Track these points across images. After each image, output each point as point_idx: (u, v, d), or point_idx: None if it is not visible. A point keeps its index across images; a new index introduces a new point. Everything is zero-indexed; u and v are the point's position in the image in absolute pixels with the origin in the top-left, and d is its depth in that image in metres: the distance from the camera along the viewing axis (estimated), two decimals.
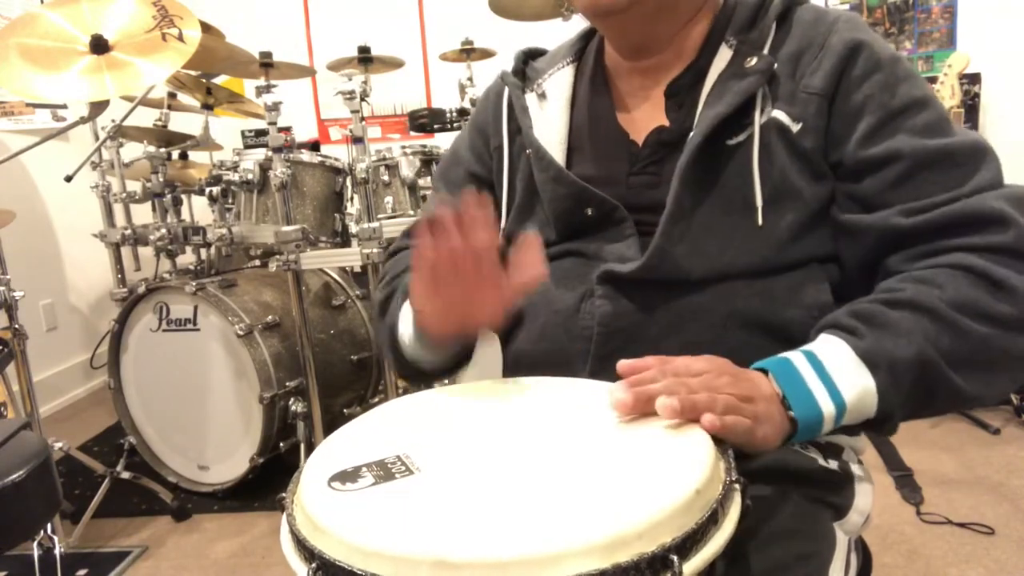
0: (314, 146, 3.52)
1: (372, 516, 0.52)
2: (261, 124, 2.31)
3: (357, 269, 2.69)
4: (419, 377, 1.01)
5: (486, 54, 3.00)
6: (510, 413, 0.70)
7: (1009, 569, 1.76)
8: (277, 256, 2.18)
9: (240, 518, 2.26)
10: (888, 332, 0.71)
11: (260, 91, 2.17)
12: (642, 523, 0.48)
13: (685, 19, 0.86)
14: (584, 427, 0.65)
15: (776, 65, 0.82)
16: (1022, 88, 3.20)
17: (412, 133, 3.38)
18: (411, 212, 2.44)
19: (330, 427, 2.31)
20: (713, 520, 0.52)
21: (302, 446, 2.33)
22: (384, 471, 0.58)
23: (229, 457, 2.35)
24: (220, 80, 2.96)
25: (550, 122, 0.93)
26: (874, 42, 0.81)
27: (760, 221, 0.80)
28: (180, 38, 1.78)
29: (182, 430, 2.41)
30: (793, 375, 0.70)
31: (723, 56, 0.84)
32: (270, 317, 2.34)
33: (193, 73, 2.60)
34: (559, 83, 0.96)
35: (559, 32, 1.02)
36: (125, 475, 2.30)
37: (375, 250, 2.15)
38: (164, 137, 2.69)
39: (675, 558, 0.48)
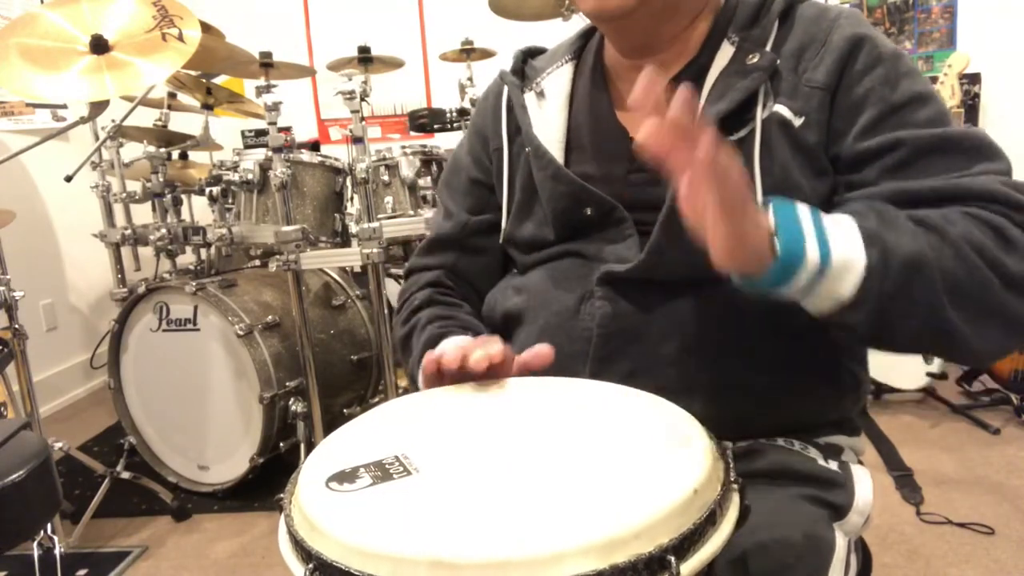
0: (314, 146, 3.52)
1: (370, 517, 0.52)
2: (261, 124, 2.31)
3: (357, 269, 2.69)
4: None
5: (486, 54, 3.00)
6: (508, 413, 0.70)
7: (1009, 569, 1.76)
8: (277, 256, 2.18)
9: (240, 518, 2.26)
10: (895, 228, 0.68)
11: (260, 91, 2.17)
12: (640, 524, 0.48)
13: (689, 19, 0.86)
14: (582, 427, 0.65)
15: (779, 61, 0.82)
16: (1022, 88, 3.19)
17: (412, 133, 3.38)
18: (411, 212, 2.44)
19: (330, 427, 2.31)
20: (711, 521, 0.52)
21: (302, 446, 2.33)
22: (382, 471, 0.58)
23: (229, 457, 2.35)
24: (220, 80, 2.96)
25: (549, 120, 0.93)
26: (876, 37, 0.81)
27: None
28: (180, 38, 1.78)
29: (182, 430, 2.41)
30: (789, 211, 0.67)
31: (725, 53, 0.84)
32: (270, 317, 2.34)
33: (193, 73, 2.60)
34: (558, 81, 0.96)
35: (559, 32, 1.02)
36: (125, 475, 2.30)
37: (375, 250, 2.15)
38: (164, 137, 2.69)
39: (672, 559, 0.48)
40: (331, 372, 2.44)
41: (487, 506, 0.52)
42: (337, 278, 2.66)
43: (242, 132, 3.03)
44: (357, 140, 2.13)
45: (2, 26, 2.28)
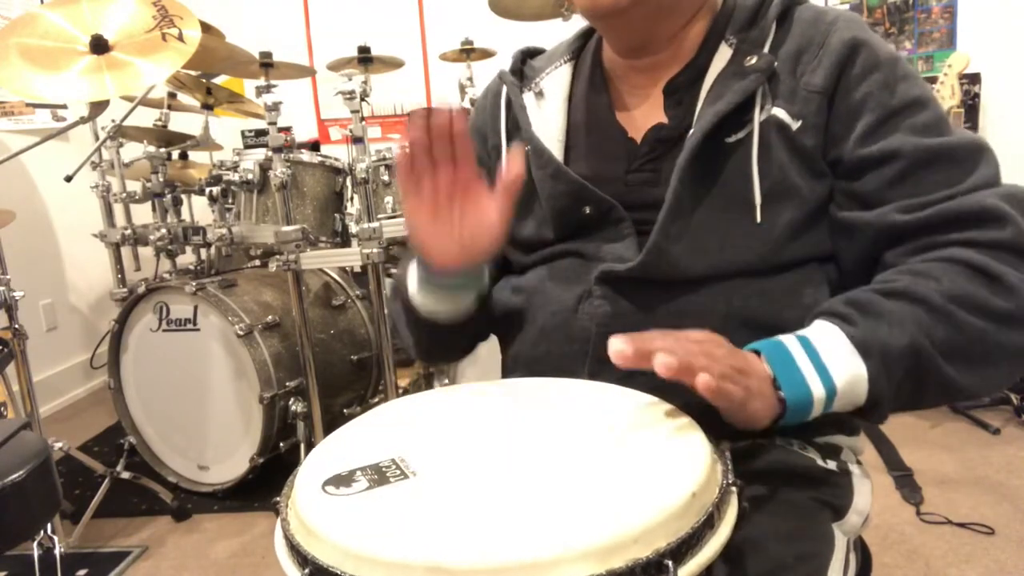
0: (314, 146, 3.52)
1: (366, 521, 0.52)
2: (261, 124, 2.31)
3: (357, 269, 2.69)
4: (438, 344, 1.01)
5: (486, 54, 3.00)
6: (506, 415, 0.70)
7: (1009, 569, 1.76)
8: (277, 256, 2.18)
9: (240, 518, 2.26)
10: (882, 321, 0.70)
11: (260, 91, 2.17)
12: (638, 528, 0.48)
13: (685, 19, 0.86)
14: (580, 429, 0.65)
15: (776, 64, 0.82)
16: (1022, 88, 3.19)
17: None
18: None
19: (330, 427, 2.31)
20: (709, 524, 0.52)
21: (302, 446, 2.33)
22: (378, 475, 0.58)
23: (229, 457, 2.35)
24: (220, 80, 2.95)
25: (548, 120, 0.93)
26: (874, 41, 0.81)
27: (759, 218, 0.80)
28: (180, 38, 1.78)
29: (182, 430, 2.41)
30: (785, 357, 0.69)
31: (723, 55, 0.84)
32: (270, 317, 2.34)
33: (193, 73, 2.60)
34: (557, 81, 0.96)
35: (559, 32, 1.02)
36: (125, 475, 2.31)
37: (375, 250, 2.15)
38: (164, 137, 2.69)
39: (670, 563, 0.48)
40: (331, 372, 2.44)
41: (484, 510, 0.52)
42: (337, 278, 2.66)
43: (242, 132, 3.03)
44: (357, 140, 2.13)
45: (2, 26, 2.28)
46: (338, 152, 3.18)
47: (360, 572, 0.48)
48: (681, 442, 0.60)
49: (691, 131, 0.82)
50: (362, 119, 2.12)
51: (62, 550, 1.94)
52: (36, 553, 1.89)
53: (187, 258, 3.00)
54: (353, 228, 2.27)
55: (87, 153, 2.43)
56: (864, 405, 0.71)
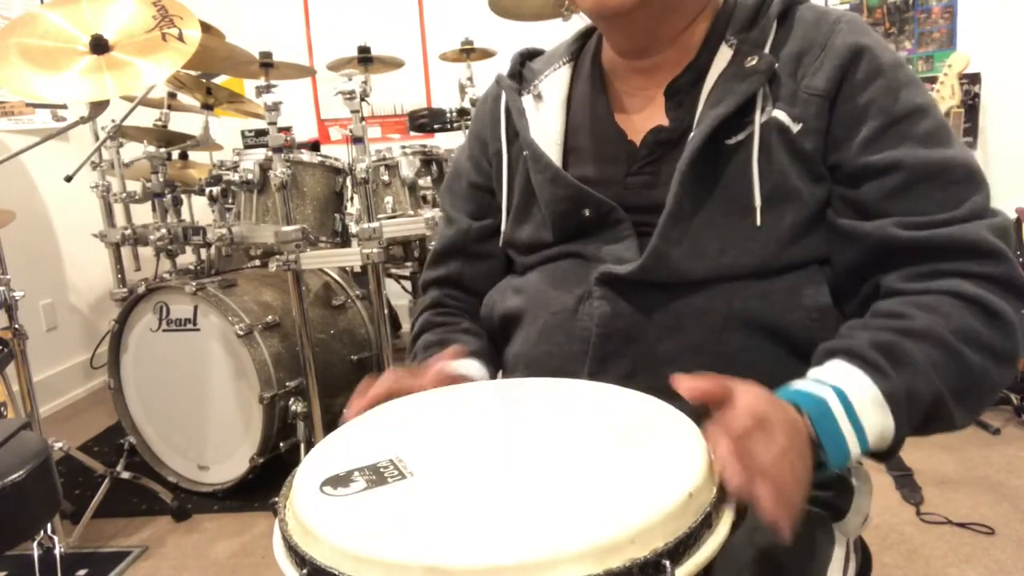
0: (314, 146, 3.52)
1: (364, 521, 0.52)
2: (261, 124, 2.32)
3: (357, 269, 2.69)
4: None
5: (486, 54, 3.00)
6: (504, 415, 0.70)
7: (1009, 569, 1.76)
8: (277, 256, 2.18)
9: (240, 518, 2.26)
10: (909, 370, 0.71)
11: (260, 91, 2.17)
12: (635, 528, 0.48)
13: (689, 19, 0.86)
14: (579, 429, 0.64)
15: (777, 65, 0.81)
16: (1022, 88, 3.19)
17: (412, 133, 3.38)
18: (411, 212, 2.44)
19: (330, 427, 2.31)
20: (707, 524, 0.52)
21: (302, 446, 2.33)
22: (376, 475, 0.58)
23: (229, 457, 2.36)
24: (220, 80, 2.96)
25: (546, 123, 0.93)
26: (876, 46, 0.80)
27: (759, 222, 0.80)
28: (180, 38, 1.78)
29: (182, 430, 2.41)
30: (829, 420, 0.68)
31: (723, 55, 0.84)
32: (270, 317, 2.34)
33: (193, 73, 2.60)
34: (555, 84, 0.96)
35: (559, 32, 1.01)
36: (125, 475, 2.31)
37: (375, 250, 2.15)
38: (164, 137, 2.70)
39: (668, 563, 0.48)
40: (331, 372, 2.44)
41: (481, 510, 0.52)
42: (337, 278, 2.66)
43: (242, 132, 3.03)
44: (357, 140, 2.13)
45: (2, 26, 2.28)
46: (338, 152, 3.18)
47: (358, 572, 0.48)
48: (679, 442, 0.60)
49: (691, 134, 0.81)
50: (362, 119, 2.12)
51: (62, 550, 1.94)
52: (36, 553, 1.90)
53: (187, 258, 3.01)
54: (353, 228, 2.27)
55: (87, 153, 2.43)
56: (882, 451, 0.73)
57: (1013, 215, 2.60)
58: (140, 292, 2.34)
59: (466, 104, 2.64)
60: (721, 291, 0.80)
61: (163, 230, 2.51)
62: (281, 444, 2.34)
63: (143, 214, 2.85)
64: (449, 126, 2.50)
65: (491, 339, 1.01)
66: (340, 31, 3.95)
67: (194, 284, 2.27)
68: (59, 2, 1.82)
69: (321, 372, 2.30)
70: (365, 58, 2.79)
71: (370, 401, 0.76)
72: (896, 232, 0.77)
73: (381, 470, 0.58)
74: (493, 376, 0.96)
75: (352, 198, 2.52)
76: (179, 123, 2.84)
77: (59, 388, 3.37)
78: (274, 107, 2.12)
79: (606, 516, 0.49)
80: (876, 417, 0.70)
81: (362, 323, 2.64)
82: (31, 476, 1.04)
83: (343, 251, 2.36)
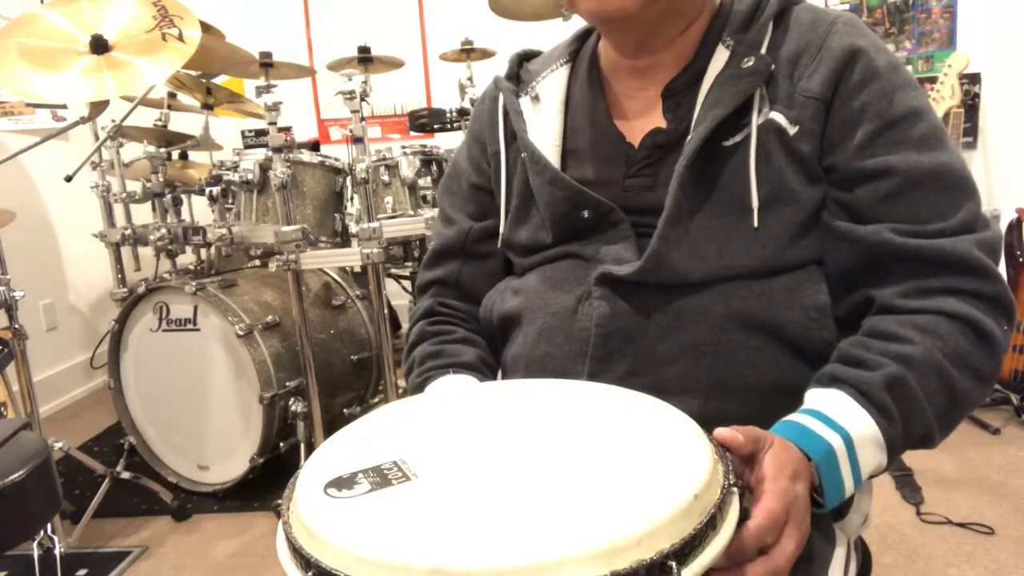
0: (314, 146, 3.52)
1: (369, 524, 0.52)
2: (261, 124, 2.31)
3: (357, 269, 2.69)
4: None
5: (486, 54, 3.00)
6: (507, 417, 0.70)
7: (1009, 569, 1.76)
8: (277, 256, 2.18)
9: (240, 518, 2.26)
10: (911, 414, 0.74)
11: (260, 91, 2.17)
12: (640, 530, 0.48)
13: (689, 21, 0.86)
14: (581, 430, 0.64)
15: (773, 67, 0.81)
16: (1022, 88, 3.19)
17: (412, 133, 3.38)
18: (411, 212, 2.44)
19: (330, 427, 2.31)
20: (712, 525, 0.52)
21: (302, 446, 2.33)
22: (380, 477, 0.58)
23: (229, 457, 2.36)
24: (220, 80, 2.95)
25: (544, 125, 0.93)
26: (872, 48, 0.80)
27: (756, 223, 0.80)
28: (180, 38, 1.78)
29: (182, 430, 2.41)
30: (834, 469, 0.71)
31: (720, 57, 0.84)
32: (270, 317, 2.34)
33: (193, 73, 2.60)
34: (553, 85, 0.95)
35: (559, 32, 1.01)
36: (125, 475, 2.31)
37: (375, 250, 2.15)
38: (164, 137, 2.69)
39: (674, 564, 0.48)
40: (331, 372, 2.44)
41: (487, 512, 0.52)
42: (337, 278, 2.66)
43: (242, 132, 3.02)
44: (357, 140, 2.13)
45: (2, 26, 2.28)
46: (338, 152, 3.18)
47: (364, 575, 0.48)
48: (682, 443, 0.60)
49: (689, 136, 0.81)
50: (362, 119, 2.12)
51: (62, 550, 1.94)
52: (36, 553, 1.90)
53: (187, 258, 3.01)
54: (353, 228, 2.27)
55: (87, 153, 2.43)
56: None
57: (1013, 215, 2.60)
58: (140, 292, 2.34)
59: (466, 104, 2.63)
60: (720, 291, 0.81)
61: (163, 230, 2.51)
62: (281, 444, 2.34)
63: (143, 214, 2.85)
64: (449, 126, 2.49)
65: (491, 340, 1.01)
66: (340, 31, 3.95)
67: (194, 284, 2.27)
68: (59, 2, 1.82)
69: (321, 372, 2.30)
70: (365, 58, 2.79)
71: None
72: (891, 238, 0.77)
73: (385, 472, 0.58)
74: (492, 379, 0.96)
75: (352, 198, 2.52)
76: (179, 123, 2.84)
77: (59, 388, 3.37)
78: (274, 107, 2.12)
79: (612, 518, 0.49)
80: (873, 459, 0.73)
81: (362, 323, 2.64)
82: (31, 476, 1.04)
83: (343, 251, 2.36)
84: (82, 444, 2.88)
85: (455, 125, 2.47)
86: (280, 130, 2.14)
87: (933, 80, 2.57)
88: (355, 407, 2.62)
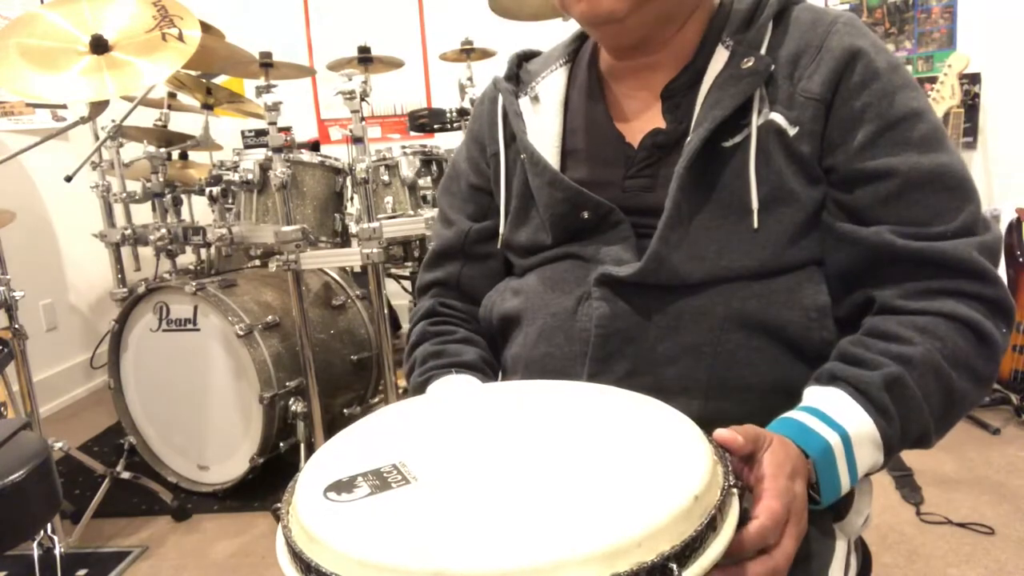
0: (314, 146, 3.52)
1: (369, 527, 0.52)
2: (261, 124, 2.31)
3: (357, 269, 2.69)
4: None
5: (486, 54, 3.00)
6: (507, 419, 0.69)
7: (1009, 569, 1.76)
8: (277, 256, 2.18)
9: (240, 518, 2.26)
10: (909, 414, 0.74)
11: (260, 91, 2.17)
12: (641, 532, 0.48)
13: (681, 23, 0.86)
14: (581, 432, 0.64)
15: (773, 67, 0.81)
16: (1022, 88, 3.19)
17: (412, 133, 3.38)
18: (411, 212, 2.44)
19: (330, 427, 2.31)
20: (712, 527, 0.52)
21: (302, 446, 2.33)
22: (380, 480, 0.58)
23: (229, 457, 2.36)
24: (220, 80, 2.95)
25: (544, 126, 0.93)
26: (872, 48, 0.80)
27: (756, 224, 0.80)
28: (180, 38, 1.78)
29: (182, 430, 2.41)
30: (831, 468, 0.72)
31: (720, 57, 0.84)
32: (270, 317, 2.34)
33: (193, 73, 2.60)
34: (552, 86, 0.95)
35: (559, 32, 1.01)
36: (125, 475, 2.31)
37: (375, 250, 2.15)
38: (164, 137, 2.69)
39: (674, 566, 0.48)
40: (331, 372, 2.44)
41: (487, 515, 0.52)
42: (337, 278, 2.66)
43: (242, 132, 3.02)
44: (357, 140, 2.13)
45: (2, 26, 2.28)
46: (338, 152, 3.18)
47: None
48: (682, 444, 0.60)
49: (689, 137, 0.81)
50: (362, 119, 2.12)
51: (62, 550, 1.94)
52: (36, 553, 1.90)
53: (187, 258, 3.00)
54: (353, 228, 2.27)
55: (87, 153, 2.43)
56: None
57: (1013, 215, 2.60)
58: (140, 292, 2.34)
59: (466, 104, 2.63)
60: (720, 292, 0.81)
61: (163, 230, 2.51)
62: (281, 444, 2.34)
63: (143, 214, 2.85)
64: (449, 126, 2.49)
65: (491, 340, 1.01)
66: (340, 31, 3.95)
67: (194, 284, 2.27)
68: (59, 2, 1.82)
69: (321, 372, 2.30)
70: (365, 58, 2.79)
71: None
72: (892, 239, 0.77)
73: (385, 475, 0.58)
74: (493, 379, 0.96)
75: (352, 198, 2.52)
76: (179, 123, 2.83)
77: (59, 388, 3.37)
78: (274, 107, 2.12)
79: (612, 520, 0.49)
80: (870, 458, 0.74)
81: (362, 323, 2.64)
82: (31, 476, 1.04)
83: (343, 251, 2.36)
84: (82, 444, 2.88)
85: (455, 125, 2.47)
86: (280, 130, 2.14)
87: (933, 80, 2.57)
88: (355, 407, 2.62)
